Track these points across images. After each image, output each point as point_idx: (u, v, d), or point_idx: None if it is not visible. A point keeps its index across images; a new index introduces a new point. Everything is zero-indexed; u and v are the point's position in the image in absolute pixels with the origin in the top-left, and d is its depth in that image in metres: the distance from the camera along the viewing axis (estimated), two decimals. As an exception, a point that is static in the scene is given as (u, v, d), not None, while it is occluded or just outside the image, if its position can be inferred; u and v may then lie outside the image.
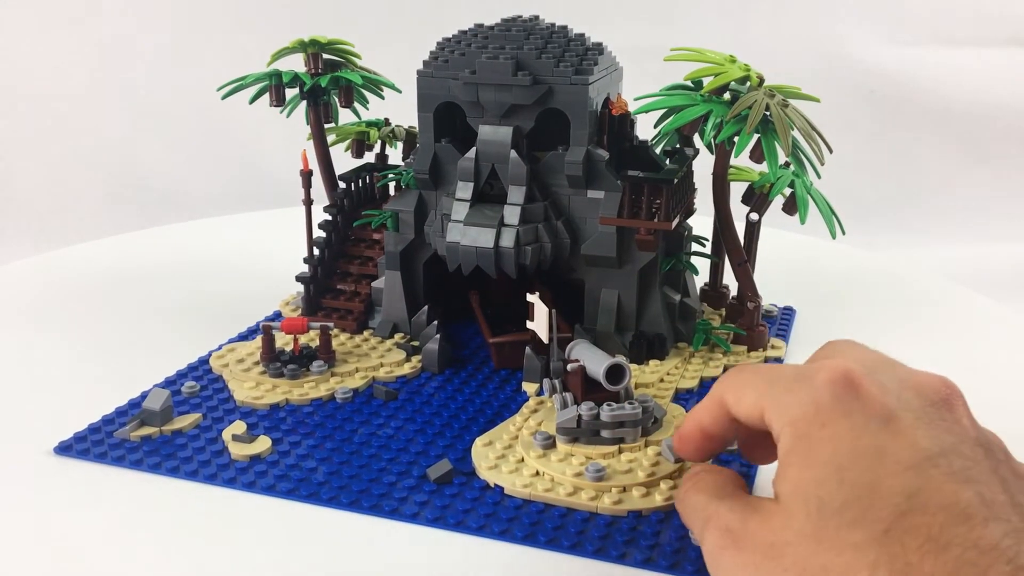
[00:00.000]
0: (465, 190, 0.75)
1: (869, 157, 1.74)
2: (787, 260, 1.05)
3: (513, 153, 0.73)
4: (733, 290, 0.88)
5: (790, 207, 0.79)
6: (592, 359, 0.64)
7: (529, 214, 0.73)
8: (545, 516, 0.57)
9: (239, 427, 0.66)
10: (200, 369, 0.77)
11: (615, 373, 0.62)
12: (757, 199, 0.82)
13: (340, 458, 0.63)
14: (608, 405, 0.61)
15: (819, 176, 0.74)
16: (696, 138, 0.85)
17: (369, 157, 0.92)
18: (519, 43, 0.73)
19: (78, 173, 1.82)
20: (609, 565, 0.53)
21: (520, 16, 0.78)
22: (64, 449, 0.64)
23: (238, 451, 0.63)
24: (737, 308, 0.85)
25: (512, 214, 0.73)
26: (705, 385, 0.75)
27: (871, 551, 0.39)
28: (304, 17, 1.62)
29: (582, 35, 0.76)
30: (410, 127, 0.93)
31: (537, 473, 0.60)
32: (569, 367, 0.65)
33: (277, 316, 0.88)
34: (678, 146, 0.84)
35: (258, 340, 0.79)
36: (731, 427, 0.52)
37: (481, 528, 0.56)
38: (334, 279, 0.85)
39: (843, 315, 0.91)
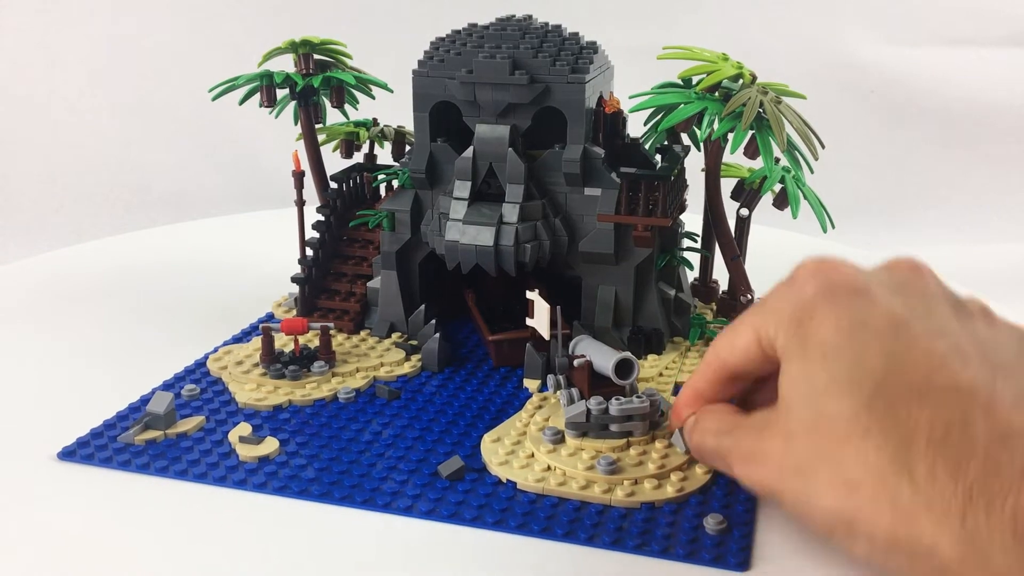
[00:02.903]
0: (463, 189, 0.75)
1: (868, 157, 1.74)
2: (777, 256, 1.06)
3: (511, 151, 0.74)
4: (722, 285, 0.89)
5: (781, 202, 0.81)
6: (599, 354, 0.65)
7: (527, 212, 0.74)
8: (560, 510, 0.57)
9: (245, 429, 0.66)
10: (198, 372, 0.76)
11: (624, 367, 0.63)
12: (747, 195, 0.84)
13: (349, 457, 0.63)
14: (617, 399, 0.62)
15: (812, 172, 0.75)
16: (684, 135, 0.87)
17: (357, 157, 0.92)
18: (515, 42, 0.74)
19: (78, 173, 1.80)
20: (627, 556, 0.53)
21: (514, 16, 0.79)
22: (68, 454, 0.63)
23: (246, 453, 0.63)
24: (728, 302, 0.86)
25: (511, 212, 0.73)
26: (703, 378, 0.76)
27: (861, 418, 0.43)
28: (304, 18, 1.61)
29: (576, 34, 0.77)
30: (399, 127, 0.93)
31: (548, 468, 0.61)
32: (576, 362, 0.65)
33: (270, 317, 0.88)
34: (666, 143, 0.85)
35: (255, 342, 0.79)
36: (731, 389, 0.57)
37: (498, 523, 0.56)
38: (328, 279, 0.85)
39: None
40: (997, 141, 1.79)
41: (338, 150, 0.91)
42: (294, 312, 0.87)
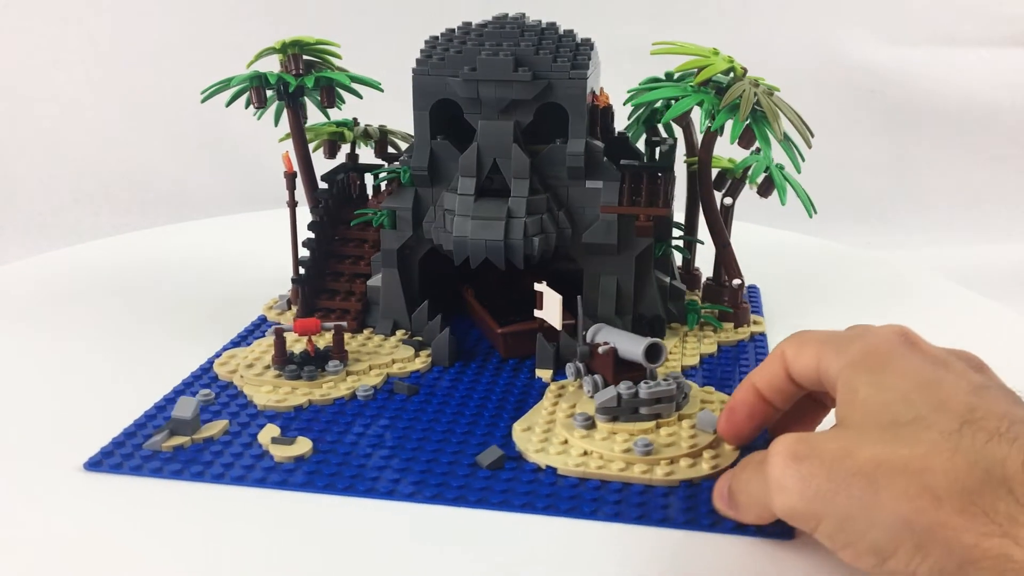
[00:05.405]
0: (467, 185, 0.76)
1: (869, 157, 1.75)
2: (773, 254, 1.10)
3: (516, 147, 0.75)
4: (703, 272, 0.93)
5: (765, 190, 0.84)
6: (625, 340, 0.67)
7: (534, 206, 0.75)
8: (604, 492, 0.59)
9: (273, 430, 0.66)
10: (205, 376, 0.75)
11: (653, 351, 0.65)
12: (731, 184, 0.87)
13: (383, 452, 0.64)
14: (645, 383, 0.64)
15: (803, 159, 0.78)
16: (660, 127, 0.90)
17: (340, 158, 0.92)
18: (515, 40, 0.75)
19: (78, 173, 1.77)
20: (677, 532, 0.55)
21: (507, 14, 0.80)
22: (94, 464, 0.62)
23: (281, 453, 0.63)
24: (714, 288, 0.89)
25: (518, 206, 0.75)
26: (705, 361, 0.79)
27: (949, 441, 0.44)
28: (306, 18, 1.60)
29: (571, 31, 0.79)
30: (380, 126, 0.94)
31: (585, 452, 0.62)
32: (600, 349, 0.67)
33: (263, 320, 0.87)
34: (652, 137, 0.88)
35: (259, 344, 0.79)
36: (786, 389, 0.57)
37: (548, 508, 0.57)
38: (327, 279, 0.85)
39: (814, 299, 0.95)
40: (997, 141, 1.82)
41: (320, 150, 0.91)
42: (285, 315, 0.87)
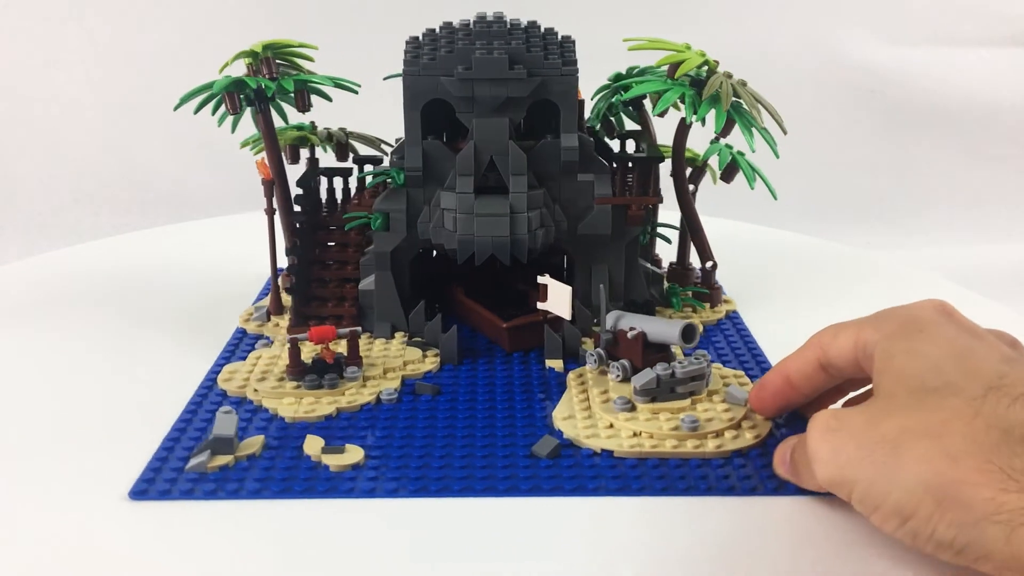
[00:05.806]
0: (465, 183, 0.77)
1: (869, 157, 1.74)
2: (759, 248, 1.12)
3: (512, 144, 0.76)
4: (665, 258, 0.97)
5: (728, 175, 0.89)
6: (652, 324, 0.69)
7: (533, 200, 0.77)
8: (664, 469, 0.62)
9: (316, 441, 0.65)
10: (211, 394, 0.73)
11: (689, 332, 0.68)
12: (693, 172, 0.91)
13: (438, 452, 0.64)
14: (680, 363, 0.67)
15: (775, 143, 0.83)
16: (618, 120, 0.93)
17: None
18: (505, 38, 0.77)
19: (78, 173, 1.75)
20: (748, 499, 0.59)
21: (486, 14, 0.81)
22: (139, 494, 0.59)
23: (336, 462, 0.62)
24: (679, 272, 0.94)
25: (519, 202, 0.76)
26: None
27: (971, 406, 0.47)
28: (305, 19, 1.54)
29: (551, 29, 0.81)
30: (340, 128, 0.93)
31: (635, 434, 0.65)
32: (630, 335, 0.70)
33: (243, 333, 0.84)
34: (600, 126, 0.92)
35: (260, 355, 0.77)
36: (815, 377, 0.61)
37: (621, 489, 0.59)
38: (314, 286, 0.83)
39: (813, 299, 0.97)
40: (997, 141, 1.84)
41: (282, 153, 0.89)
42: (266, 326, 0.85)
